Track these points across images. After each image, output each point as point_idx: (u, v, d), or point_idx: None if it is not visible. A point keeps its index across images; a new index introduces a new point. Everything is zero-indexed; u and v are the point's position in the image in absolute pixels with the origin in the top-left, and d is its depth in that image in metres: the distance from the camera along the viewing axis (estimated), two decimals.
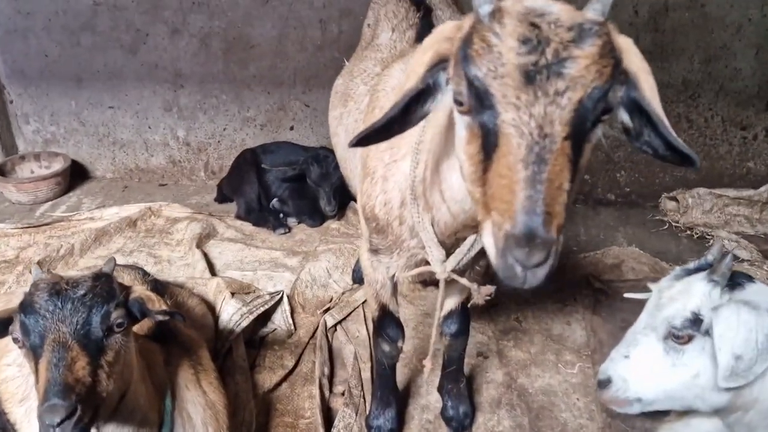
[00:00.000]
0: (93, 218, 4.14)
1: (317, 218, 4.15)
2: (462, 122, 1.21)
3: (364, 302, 3.26)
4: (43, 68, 4.59)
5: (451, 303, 2.32)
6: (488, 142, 1.13)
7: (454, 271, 1.81)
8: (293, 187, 4.20)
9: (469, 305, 2.25)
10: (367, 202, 1.92)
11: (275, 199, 4.29)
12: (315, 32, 4.28)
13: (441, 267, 1.77)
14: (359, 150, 2.14)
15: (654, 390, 1.76)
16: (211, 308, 2.93)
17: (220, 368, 2.63)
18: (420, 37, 2.20)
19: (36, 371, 1.56)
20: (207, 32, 4.36)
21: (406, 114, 1.32)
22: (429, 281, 2.17)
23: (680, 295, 1.71)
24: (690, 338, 1.67)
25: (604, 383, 1.86)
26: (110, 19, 4.37)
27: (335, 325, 3.09)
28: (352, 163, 2.38)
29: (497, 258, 1.09)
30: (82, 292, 1.63)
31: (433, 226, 1.71)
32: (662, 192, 4.37)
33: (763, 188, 4.14)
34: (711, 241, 3.95)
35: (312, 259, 3.60)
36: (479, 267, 2.13)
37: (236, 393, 2.51)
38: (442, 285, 1.84)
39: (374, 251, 2.07)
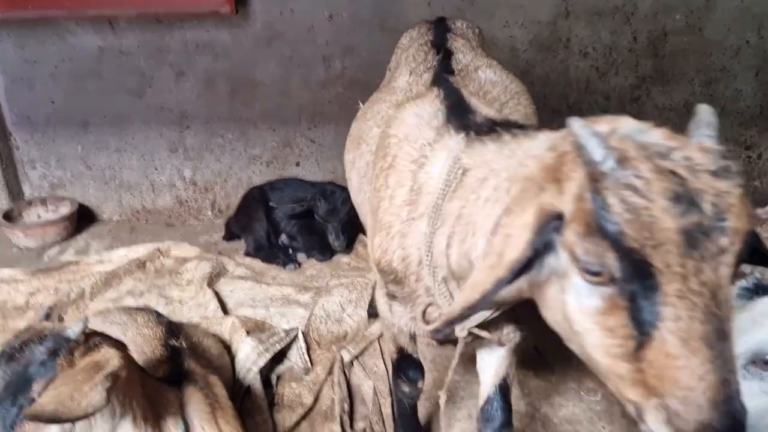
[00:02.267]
0: (102, 261, 4.12)
1: (327, 253, 4.14)
2: (592, 292, 1.06)
3: (380, 336, 3.22)
4: (49, 114, 4.62)
5: (488, 387, 2.08)
6: (642, 316, 0.99)
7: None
8: (302, 223, 4.20)
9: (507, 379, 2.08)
10: (383, 256, 1.82)
11: (284, 235, 4.29)
12: (318, 70, 4.34)
13: (459, 326, 1.62)
14: (367, 193, 2.08)
15: None
16: (226, 348, 2.89)
17: (239, 408, 2.60)
18: (436, 81, 2.07)
19: None
20: (212, 74, 4.42)
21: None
22: (445, 340, 2.04)
23: (766, 317, 1.63)
24: None
25: None
26: (116, 64, 4.43)
27: (352, 361, 3.06)
28: (364, 207, 2.29)
29: None
30: (12, 361, 1.56)
31: (452, 291, 1.62)
32: None
33: None
34: None
35: (325, 294, 3.57)
36: (506, 332, 1.88)
37: None
38: (460, 343, 1.73)
39: (391, 296, 1.98)
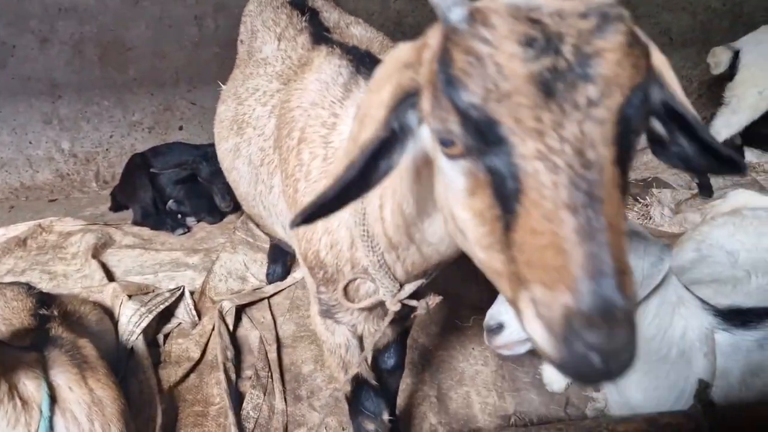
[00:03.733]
0: None
1: (216, 215, 4.15)
2: (456, 168, 0.90)
3: (272, 296, 3.32)
4: None
5: (389, 333, 2.09)
6: (505, 190, 0.82)
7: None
8: (188, 187, 4.18)
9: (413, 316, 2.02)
10: (309, 247, 1.63)
11: (171, 201, 4.25)
12: (191, 29, 4.26)
13: (392, 299, 1.56)
14: (277, 185, 1.88)
15: None
16: (109, 314, 2.90)
17: (125, 370, 2.64)
18: (316, 39, 1.93)
19: None
20: (79, 38, 4.24)
21: (365, 173, 0.98)
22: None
23: None
24: None
25: (496, 329, 1.93)
26: None
27: (240, 315, 3.13)
28: (267, 200, 2.05)
29: (558, 350, 0.75)
30: None
31: (392, 266, 1.50)
32: None
33: None
34: None
35: (229, 251, 3.61)
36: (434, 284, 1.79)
37: (140, 391, 2.52)
38: (389, 317, 1.66)
39: (327, 311, 1.80)
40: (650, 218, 3.81)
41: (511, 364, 2.72)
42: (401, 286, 1.55)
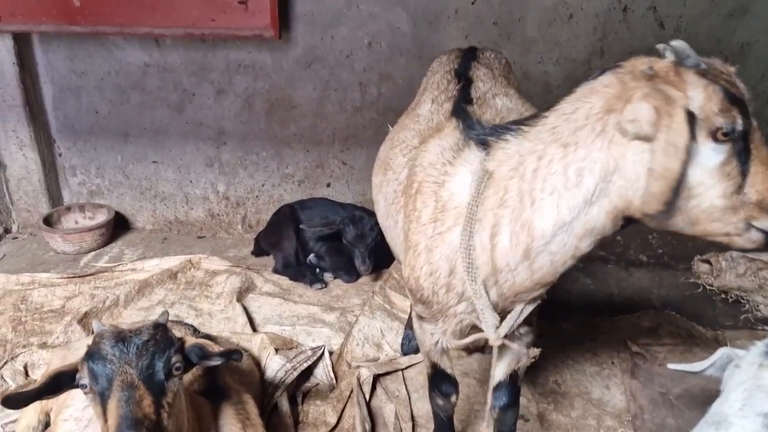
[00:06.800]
0: (135, 269, 4.25)
1: (353, 274, 4.23)
2: (718, 149, 1.49)
3: (406, 368, 3.29)
4: (92, 124, 4.80)
5: (500, 374, 2.29)
6: (743, 152, 1.49)
7: (505, 336, 1.89)
8: (330, 244, 4.30)
9: (518, 370, 2.26)
10: (411, 273, 1.99)
11: (312, 255, 4.39)
12: (355, 95, 4.46)
13: (495, 333, 1.85)
14: (400, 222, 2.21)
15: None
16: (255, 363, 2.99)
17: (266, 426, 2.68)
18: (455, 110, 2.20)
19: (104, 413, 1.65)
20: (251, 93, 4.56)
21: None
22: (473, 349, 2.24)
23: None
24: None
25: None
26: (159, 79, 4.59)
27: (375, 384, 3.12)
28: (393, 231, 2.40)
29: None
30: (145, 338, 1.76)
31: (488, 292, 1.80)
32: (694, 254, 4.39)
33: None
34: (746, 306, 3.96)
35: (368, 316, 3.65)
36: (519, 333, 2.13)
37: None
38: (495, 352, 1.95)
39: (420, 317, 2.16)
40: None
41: None
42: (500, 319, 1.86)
